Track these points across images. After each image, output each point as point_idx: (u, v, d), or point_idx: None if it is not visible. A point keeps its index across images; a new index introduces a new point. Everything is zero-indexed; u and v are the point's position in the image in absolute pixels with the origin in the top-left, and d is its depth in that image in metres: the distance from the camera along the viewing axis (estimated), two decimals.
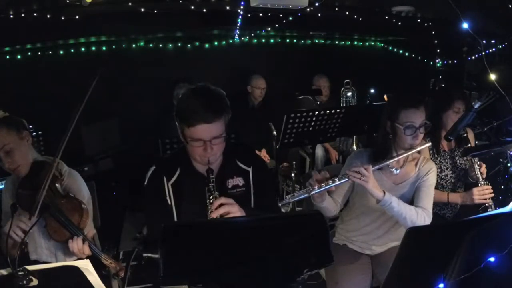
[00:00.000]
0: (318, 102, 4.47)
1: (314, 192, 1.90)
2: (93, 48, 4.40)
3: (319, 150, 4.32)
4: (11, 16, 2.85)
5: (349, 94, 4.65)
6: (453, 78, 5.27)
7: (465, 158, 2.52)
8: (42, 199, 1.78)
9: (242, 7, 3.30)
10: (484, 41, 3.87)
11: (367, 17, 4.05)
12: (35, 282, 1.32)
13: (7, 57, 3.99)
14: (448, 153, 2.56)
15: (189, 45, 4.90)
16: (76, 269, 1.36)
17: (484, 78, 2.15)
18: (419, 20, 4.09)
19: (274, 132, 3.54)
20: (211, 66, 4.80)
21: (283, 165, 4.03)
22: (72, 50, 4.31)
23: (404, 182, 2.13)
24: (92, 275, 1.38)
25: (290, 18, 3.89)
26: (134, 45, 4.60)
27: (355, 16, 3.98)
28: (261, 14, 3.79)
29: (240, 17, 3.67)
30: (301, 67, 5.31)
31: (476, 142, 2.80)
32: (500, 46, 4.45)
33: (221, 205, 1.61)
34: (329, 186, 1.92)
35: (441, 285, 1.26)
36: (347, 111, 3.50)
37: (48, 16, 3.02)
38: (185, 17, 3.85)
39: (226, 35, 4.95)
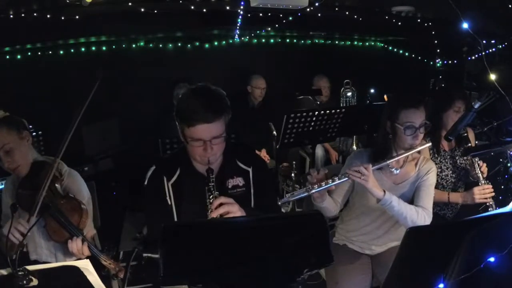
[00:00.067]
0: (318, 102, 4.47)
1: (314, 191, 1.90)
2: (93, 48, 4.41)
3: (319, 150, 4.33)
4: (11, 16, 2.85)
5: (349, 94, 4.65)
6: (453, 78, 5.27)
7: (465, 157, 2.52)
8: (42, 199, 1.78)
9: (242, 7, 3.30)
10: (484, 41, 3.87)
11: (367, 17, 4.05)
12: (35, 282, 1.32)
13: (7, 57, 3.99)
14: (448, 153, 2.56)
15: (189, 45, 4.91)
16: (76, 269, 1.36)
17: (484, 78, 2.15)
18: (419, 20, 4.09)
19: (274, 132, 3.55)
20: (211, 66, 4.80)
21: (283, 165, 4.03)
22: (72, 50, 4.31)
23: (404, 182, 2.13)
24: (92, 275, 1.38)
25: (290, 18, 3.89)
26: (134, 45, 4.60)
27: (355, 16, 3.98)
28: (261, 14, 3.79)
29: (240, 17, 3.67)
30: (301, 67, 5.31)
31: (476, 142, 2.80)
32: (500, 46, 4.45)
33: (221, 204, 1.61)
34: (329, 185, 1.91)
35: (441, 285, 1.26)
36: (347, 111, 3.50)
37: (48, 16, 3.03)
38: (185, 17, 3.85)
39: (226, 35, 4.95)
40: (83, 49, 4.36)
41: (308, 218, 1.27)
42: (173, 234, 1.13)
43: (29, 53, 4.09)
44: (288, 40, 5.54)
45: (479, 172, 2.37)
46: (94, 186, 2.40)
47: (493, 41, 4.43)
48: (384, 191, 1.93)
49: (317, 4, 3.19)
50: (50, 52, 4.21)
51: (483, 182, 2.37)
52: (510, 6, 2.99)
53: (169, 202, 1.76)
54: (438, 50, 5.47)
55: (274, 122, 3.61)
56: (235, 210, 1.62)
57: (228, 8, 3.43)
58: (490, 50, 4.51)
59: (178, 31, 4.46)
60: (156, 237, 1.12)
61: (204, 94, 1.67)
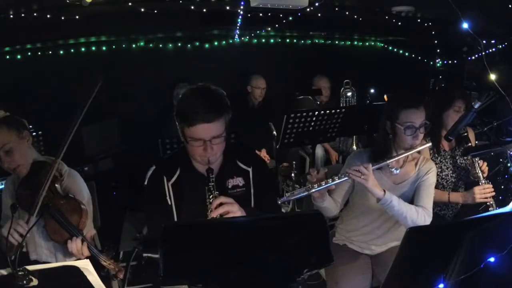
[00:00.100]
0: (318, 102, 4.47)
1: (313, 190, 1.90)
2: (93, 48, 4.41)
3: (319, 150, 4.33)
4: (11, 16, 2.86)
5: (349, 94, 4.65)
6: (453, 78, 5.27)
7: (465, 157, 2.52)
8: (42, 199, 1.78)
9: (242, 7, 3.31)
10: (484, 41, 3.87)
11: (367, 17, 4.06)
12: (35, 282, 1.32)
13: (7, 57, 4.00)
14: (448, 152, 2.56)
15: (189, 45, 4.91)
16: (76, 269, 1.36)
17: (484, 78, 2.14)
18: (419, 20, 4.10)
19: (274, 132, 3.55)
20: (211, 66, 4.80)
21: (283, 165, 4.02)
22: (72, 50, 4.31)
23: (404, 182, 2.13)
24: (92, 275, 1.38)
25: (290, 18, 3.89)
26: (134, 45, 4.60)
27: (355, 16, 3.99)
28: (261, 14, 3.80)
29: (240, 17, 3.68)
30: (301, 67, 5.31)
31: (476, 142, 2.80)
32: (500, 46, 4.45)
33: (220, 204, 1.60)
34: (329, 184, 1.91)
35: (441, 285, 1.26)
36: (347, 111, 3.50)
37: (48, 16, 3.03)
38: (185, 17, 3.85)
39: (226, 35, 4.95)
40: (83, 49, 4.37)
41: (308, 218, 1.27)
42: (173, 234, 1.13)
43: (29, 53, 4.09)
44: (288, 40, 5.54)
45: (480, 171, 2.37)
46: (94, 186, 2.40)
47: (493, 41, 4.43)
48: (384, 191, 1.93)
49: (317, 4, 3.19)
50: (50, 52, 4.21)
51: (483, 181, 2.37)
52: (510, 6, 2.99)
53: (169, 202, 1.76)
54: (438, 50, 5.47)
55: (274, 122, 3.61)
56: (235, 210, 1.61)
57: (228, 8, 3.43)
58: (490, 50, 4.52)
59: (178, 31, 4.46)
60: (156, 237, 1.12)
61: (204, 94, 1.67)
